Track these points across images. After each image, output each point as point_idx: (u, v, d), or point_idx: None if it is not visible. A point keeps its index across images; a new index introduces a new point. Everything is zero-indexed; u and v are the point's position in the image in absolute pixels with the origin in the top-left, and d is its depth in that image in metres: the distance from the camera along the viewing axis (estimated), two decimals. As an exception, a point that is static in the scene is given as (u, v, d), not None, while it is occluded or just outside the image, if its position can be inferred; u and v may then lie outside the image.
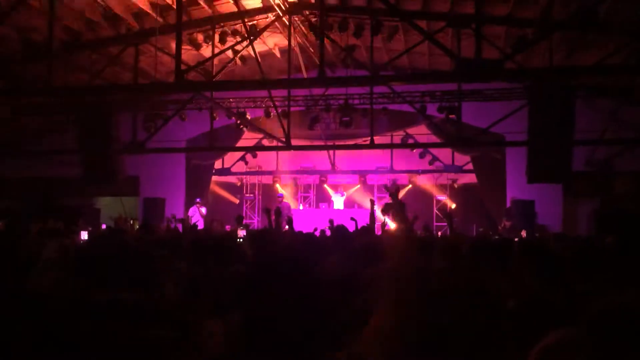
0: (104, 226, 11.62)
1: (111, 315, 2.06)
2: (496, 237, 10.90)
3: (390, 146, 14.73)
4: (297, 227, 10.96)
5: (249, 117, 13.72)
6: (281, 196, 16.92)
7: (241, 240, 5.89)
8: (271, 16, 9.94)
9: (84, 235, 6.84)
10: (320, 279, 3.27)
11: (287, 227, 10.54)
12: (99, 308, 2.06)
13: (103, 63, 10.58)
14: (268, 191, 19.17)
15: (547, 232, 11.33)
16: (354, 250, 4.56)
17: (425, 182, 17.63)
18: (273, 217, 5.97)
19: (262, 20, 10.42)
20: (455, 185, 17.44)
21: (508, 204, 13.92)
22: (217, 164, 16.96)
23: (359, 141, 13.93)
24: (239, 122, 13.54)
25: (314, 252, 4.04)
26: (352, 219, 7.33)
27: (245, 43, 10.09)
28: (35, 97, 11.75)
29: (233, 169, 17.39)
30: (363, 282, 3.05)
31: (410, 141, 14.37)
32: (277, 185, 18.58)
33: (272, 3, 9.31)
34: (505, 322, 2.46)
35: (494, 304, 2.53)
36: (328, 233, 9.08)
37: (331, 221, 7.84)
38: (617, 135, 11.00)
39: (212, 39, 10.41)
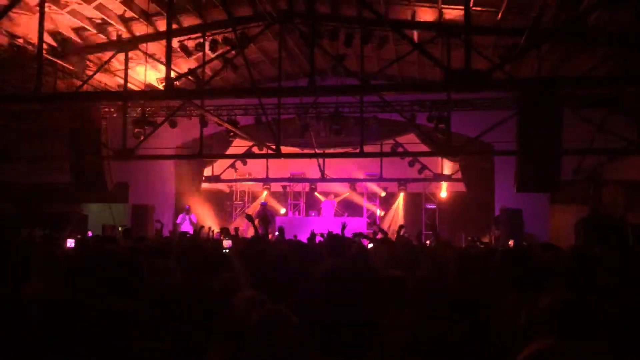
0: (90, 234, 11.54)
1: (101, 324, 2.06)
2: (482, 245, 10.97)
3: (380, 155, 14.78)
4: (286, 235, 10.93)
5: (240, 125, 13.72)
6: (264, 204, 16.90)
7: (227, 251, 5.85)
8: (262, 24, 9.97)
9: (71, 243, 6.77)
10: (315, 287, 3.28)
11: (277, 234, 10.56)
12: (89, 317, 2.05)
13: (93, 69, 10.56)
14: (258, 198, 19.18)
15: (535, 241, 11.41)
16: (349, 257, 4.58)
17: (414, 190, 17.71)
18: (257, 224, 5.99)
19: (253, 28, 10.45)
20: (443, 194, 17.50)
21: (497, 213, 14.01)
22: (207, 171, 16.91)
23: (349, 149, 13.98)
24: (229, 129, 13.53)
25: (308, 260, 4.05)
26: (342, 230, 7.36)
27: (236, 51, 10.12)
28: (24, 103, 11.67)
29: (223, 177, 17.36)
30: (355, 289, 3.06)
31: (400, 150, 14.43)
32: (264, 193, 18.62)
33: (263, 12, 9.34)
34: (491, 331, 2.47)
35: (477, 314, 2.56)
36: (317, 240, 9.09)
37: (329, 232, 7.94)
38: (604, 145, 11.11)
39: (203, 47, 10.42)
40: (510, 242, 11.82)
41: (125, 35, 10.58)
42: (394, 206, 18.25)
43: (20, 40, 9.59)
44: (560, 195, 12.21)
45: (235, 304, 2.39)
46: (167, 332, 2.39)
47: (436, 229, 14.50)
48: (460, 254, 3.90)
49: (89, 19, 10.23)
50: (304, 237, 9.57)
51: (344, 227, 7.36)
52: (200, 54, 10.60)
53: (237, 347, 2.03)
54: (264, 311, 2.10)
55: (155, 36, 10.40)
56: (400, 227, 9.48)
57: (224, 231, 8.59)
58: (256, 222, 14.50)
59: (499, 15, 9.30)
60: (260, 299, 2.39)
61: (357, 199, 18.71)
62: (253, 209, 18.59)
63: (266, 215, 15.65)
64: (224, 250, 5.78)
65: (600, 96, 11.09)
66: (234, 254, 4.23)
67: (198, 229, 11.13)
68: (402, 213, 18.01)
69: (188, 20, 10.78)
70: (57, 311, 2.01)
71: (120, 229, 12.80)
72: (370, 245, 7.52)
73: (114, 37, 10.65)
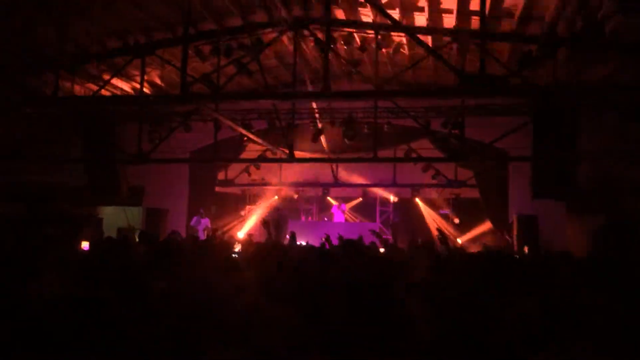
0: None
1: (111, 325, 2.06)
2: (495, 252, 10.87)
3: (394, 160, 14.74)
4: (299, 239, 10.95)
5: (253, 129, 13.76)
6: (278, 208, 16.93)
7: (236, 255, 5.80)
8: (277, 30, 10.00)
9: (85, 246, 6.82)
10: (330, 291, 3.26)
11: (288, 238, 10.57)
12: (100, 318, 2.06)
13: (110, 74, 10.66)
14: (269, 202, 19.26)
15: (551, 248, 11.28)
16: (364, 262, 4.57)
17: (428, 196, 17.62)
18: (272, 230, 5.99)
19: (268, 34, 10.49)
20: (455, 195, 17.33)
21: (510, 219, 13.88)
22: (221, 175, 16.99)
23: (362, 154, 13.95)
24: (242, 134, 13.58)
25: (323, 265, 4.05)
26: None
27: (250, 56, 10.15)
28: (42, 107, 11.82)
29: (236, 181, 17.42)
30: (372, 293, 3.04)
31: (414, 155, 14.37)
32: (275, 197, 18.67)
33: (278, 18, 9.38)
34: (503, 336, 2.44)
35: (487, 319, 2.53)
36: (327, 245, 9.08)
37: (340, 237, 7.90)
38: (622, 152, 10.96)
39: (218, 52, 10.49)
40: (525, 249, 11.70)
41: (141, 40, 10.68)
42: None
43: (40, 46, 9.73)
44: (577, 202, 12.06)
45: (238, 306, 2.38)
46: (172, 334, 2.39)
47: (447, 240, 14.41)
48: (470, 260, 3.87)
49: (108, 26, 10.36)
50: (316, 242, 9.59)
51: (337, 240, 7.24)
52: (215, 59, 10.67)
53: (240, 348, 2.03)
54: (267, 312, 2.09)
55: (171, 42, 10.48)
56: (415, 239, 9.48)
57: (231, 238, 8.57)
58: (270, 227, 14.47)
59: (515, 21, 9.25)
60: (264, 301, 2.39)
61: (370, 204, 18.66)
62: (266, 213, 18.64)
63: (279, 220, 15.68)
64: (233, 255, 5.76)
65: (617, 103, 10.95)
66: (243, 258, 4.21)
67: (211, 232, 11.18)
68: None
69: (204, 26, 10.86)
70: (65, 310, 2.02)
71: (134, 232, 12.90)
72: (382, 250, 7.51)
73: (131, 43, 10.75)
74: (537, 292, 3.00)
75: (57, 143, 13.58)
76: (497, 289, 3.24)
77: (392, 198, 18.07)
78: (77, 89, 11.33)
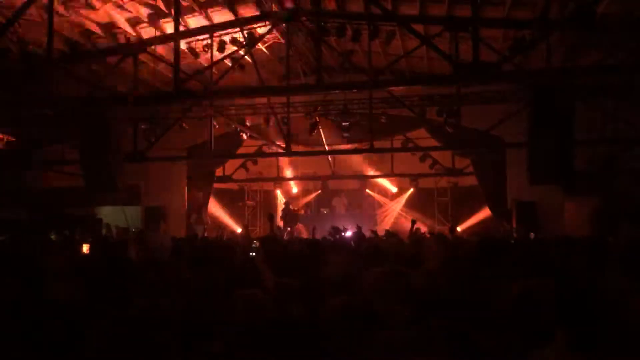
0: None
1: (119, 322, 2.09)
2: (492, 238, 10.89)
3: (391, 150, 14.73)
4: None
5: (249, 124, 13.74)
6: (287, 203, 16.94)
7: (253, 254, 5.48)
8: (269, 24, 9.97)
9: (85, 249, 6.81)
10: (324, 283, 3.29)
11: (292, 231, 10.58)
12: (107, 316, 2.08)
13: (102, 73, 10.62)
14: (269, 197, 19.25)
15: (549, 232, 11.32)
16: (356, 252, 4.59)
17: (426, 185, 17.63)
18: (277, 224, 5.98)
19: (260, 27, 10.45)
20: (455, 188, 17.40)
21: (509, 206, 13.90)
22: (218, 172, 16.98)
23: (359, 146, 13.95)
24: (239, 129, 13.56)
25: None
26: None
27: (243, 51, 10.13)
28: (35, 109, 11.77)
29: (234, 176, 17.41)
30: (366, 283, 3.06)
31: (410, 145, 14.37)
32: (278, 192, 18.67)
33: (270, 11, 9.34)
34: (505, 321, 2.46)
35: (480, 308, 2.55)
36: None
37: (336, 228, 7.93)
38: (617, 134, 10.97)
39: (211, 48, 10.46)
40: (532, 235, 11.69)
41: (133, 38, 10.64)
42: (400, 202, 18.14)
43: (30, 47, 9.66)
44: (574, 186, 12.07)
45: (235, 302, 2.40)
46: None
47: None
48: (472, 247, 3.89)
49: (97, 23, 10.31)
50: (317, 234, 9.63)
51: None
52: (208, 55, 10.65)
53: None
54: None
55: (163, 39, 10.44)
56: (413, 222, 9.49)
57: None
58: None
59: (506, 7, 9.23)
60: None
61: (370, 194, 18.67)
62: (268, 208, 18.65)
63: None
64: (251, 254, 5.54)
65: (610, 86, 10.96)
66: (262, 258, 4.11)
67: (210, 229, 11.16)
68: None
69: (195, 22, 10.82)
70: (73, 313, 2.05)
71: (133, 231, 12.88)
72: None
73: (123, 41, 10.71)
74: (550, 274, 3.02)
75: (53, 146, 13.56)
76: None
77: (394, 189, 18.12)
78: (70, 89, 11.27)
